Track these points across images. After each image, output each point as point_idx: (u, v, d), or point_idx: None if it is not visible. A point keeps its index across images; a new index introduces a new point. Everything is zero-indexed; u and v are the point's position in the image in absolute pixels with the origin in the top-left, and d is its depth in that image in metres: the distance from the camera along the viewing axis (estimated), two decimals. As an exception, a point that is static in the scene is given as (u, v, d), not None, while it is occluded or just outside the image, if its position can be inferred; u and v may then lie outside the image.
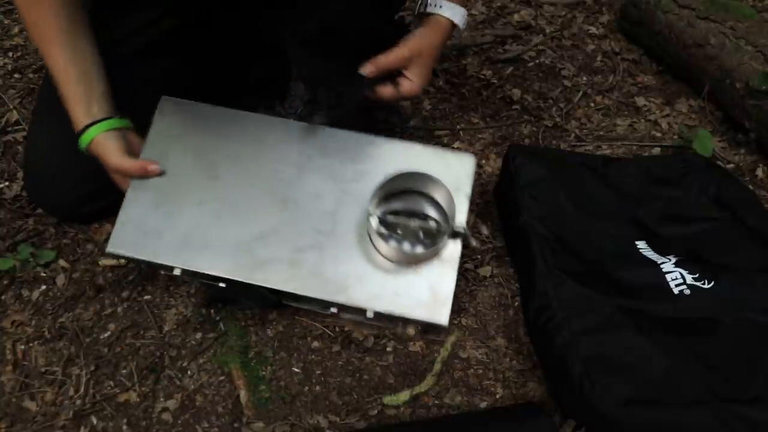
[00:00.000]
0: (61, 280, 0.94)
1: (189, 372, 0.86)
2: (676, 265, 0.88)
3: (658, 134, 1.27)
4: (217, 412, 0.80)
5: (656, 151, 1.24)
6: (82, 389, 0.81)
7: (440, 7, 0.88)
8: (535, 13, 1.59)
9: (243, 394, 0.81)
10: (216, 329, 0.90)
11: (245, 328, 0.91)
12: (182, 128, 0.88)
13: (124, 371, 0.86)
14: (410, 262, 0.82)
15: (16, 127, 1.15)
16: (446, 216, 0.84)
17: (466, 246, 0.85)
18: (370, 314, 0.79)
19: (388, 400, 0.82)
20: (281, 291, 0.80)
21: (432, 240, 0.83)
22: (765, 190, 1.16)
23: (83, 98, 0.84)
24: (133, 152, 0.86)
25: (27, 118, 1.15)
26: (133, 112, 0.90)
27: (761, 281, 0.86)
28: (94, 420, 0.79)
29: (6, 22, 1.41)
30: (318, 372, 0.86)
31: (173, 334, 0.90)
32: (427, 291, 0.80)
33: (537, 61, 1.44)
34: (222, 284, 0.81)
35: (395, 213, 0.85)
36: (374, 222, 0.80)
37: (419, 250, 0.83)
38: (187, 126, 0.89)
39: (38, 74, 1.27)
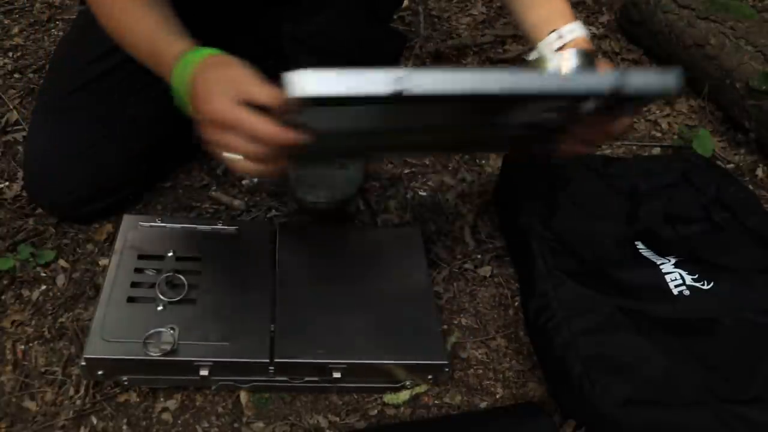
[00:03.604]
0: (61, 280, 0.93)
1: (189, 372, 0.86)
2: (676, 265, 0.88)
3: (658, 134, 1.27)
4: (217, 412, 0.80)
5: (656, 151, 1.24)
6: (82, 389, 0.81)
7: (572, 31, 0.76)
8: (535, 12, 1.59)
9: (243, 394, 0.81)
10: (216, 329, 0.90)
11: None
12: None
13: (124, 371, 0.85)
14: None
15: (16, 127, 1.15)
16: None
17: None
18: None
19: (388, 399, 0.82)
20: None
21: None
22: (765, 190, 1.16)
23: (173, 33, 0.71)
24: None
25: (27, 118, 1.15)
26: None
27: (761, 282, 0.86)
28: (94, 420, 0.79)
29: (6, 22, 1.41)
30: (318, 372, 0.86)
31: (173, 334, 0.90)
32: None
33: (537, 61, 1.44)
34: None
35: None
36: None
37: None
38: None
39: (38, 74, 1.27)
